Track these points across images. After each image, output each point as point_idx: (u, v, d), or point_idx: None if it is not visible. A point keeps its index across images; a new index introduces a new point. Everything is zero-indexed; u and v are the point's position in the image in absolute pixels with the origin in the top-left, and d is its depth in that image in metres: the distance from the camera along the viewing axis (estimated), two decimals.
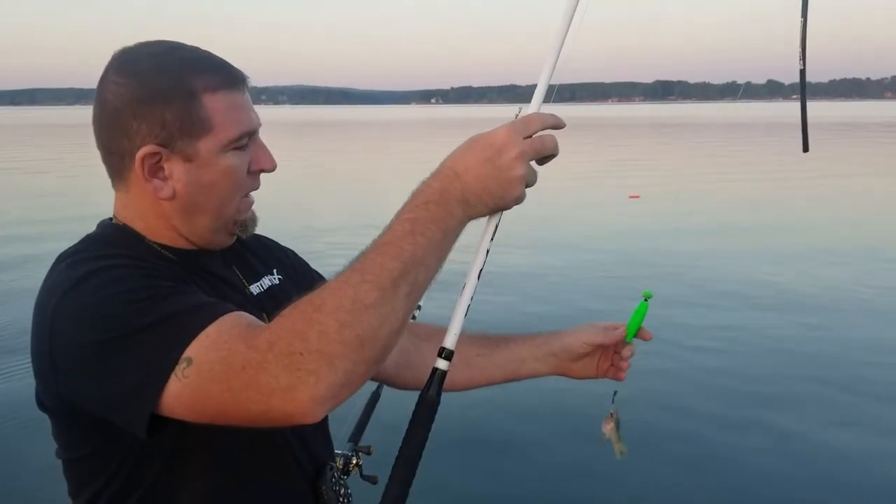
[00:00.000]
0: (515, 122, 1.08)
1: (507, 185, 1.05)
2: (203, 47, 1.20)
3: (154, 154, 1.14)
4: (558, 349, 1.49)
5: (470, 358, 1.43)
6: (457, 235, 1.06)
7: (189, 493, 1.14)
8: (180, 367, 0.98)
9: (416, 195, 1.05)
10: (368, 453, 1.49)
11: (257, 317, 1.25)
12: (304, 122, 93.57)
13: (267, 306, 1.29)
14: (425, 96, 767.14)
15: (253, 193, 1.26)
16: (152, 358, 1.00)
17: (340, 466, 1.42)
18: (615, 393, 1.44)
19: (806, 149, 1.57)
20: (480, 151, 1.05)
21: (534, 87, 1.18)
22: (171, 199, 1.17)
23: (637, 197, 14.98)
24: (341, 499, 1.34)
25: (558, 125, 1.10)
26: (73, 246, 1.18)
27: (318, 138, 50.47)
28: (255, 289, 1.32)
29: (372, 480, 1.45)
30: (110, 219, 1.24)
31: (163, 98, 1.13)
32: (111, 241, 1.19)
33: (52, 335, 1.06)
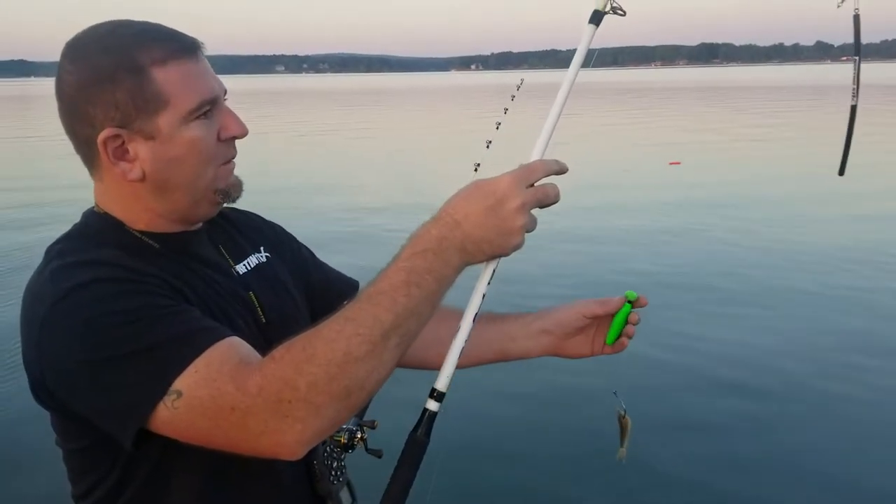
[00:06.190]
0: (518, 171, 1.05)
1: (507, 235, 1.04)
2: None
3: (115, 137, 1.12)
4: (552, 325, 1.43)
5: None
6: (451, 283, 1.05)
7: (187, 475, 1.15)
8: (170, 398, 0.99)
9: (413, 240, 1.03)
10: (373, 427, 1.47)
11: (243, 296, 1.25)
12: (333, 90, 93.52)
13: (253, 285, 1.28)
14: (465, 62, 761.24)
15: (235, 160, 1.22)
16: (143, 385, 1.00)
17: (345, 441, 1.41)
18: (615, 393, 1.40)
19: (841, 172, 1.53)
20: (482, 200, 1.03)
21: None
22: (141, 181, 1.15)
23: (678, 164, 14.71)
24: (333, 471, 1.35)
25: (562, 171, 1.08)
26: (60, 242, 1.17)
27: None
28: (241, 268, 1.30)
29: (377, 454, 1.44)
30: (93, 208, 1.22)
31: (110, 78, 1.10)
32: (95, 234, 1.17)
33: (42, 348, 1.05)
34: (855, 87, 1.45)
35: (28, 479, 3.75)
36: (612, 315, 1.38)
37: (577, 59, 1.14)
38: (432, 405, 1.09)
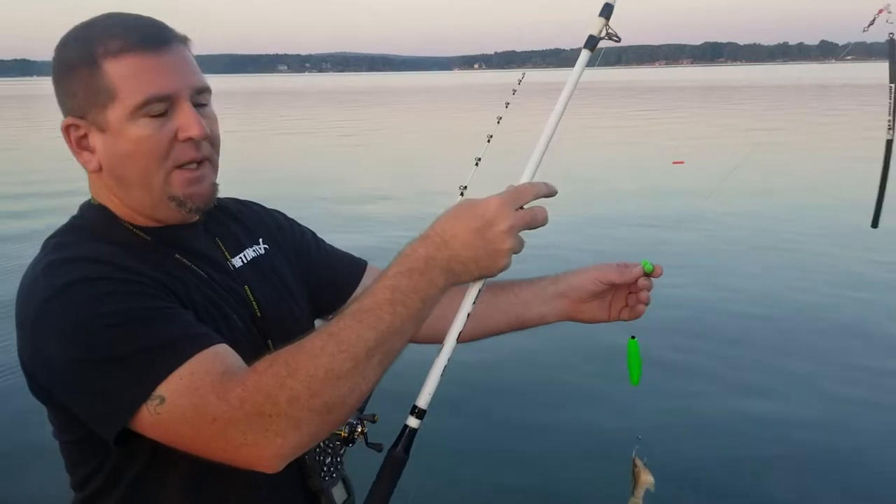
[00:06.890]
0: (507, 194, 1.06)
1: (494, 257, 1.04)
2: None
3: (75, 126, 1.14)
4: (567, 289, 1.41)
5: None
6: (437, 302, 1.05)
7: (180, 468, 1.15)
8: (153, 403, 1.00)
9: (400, 259, 1.03)
10: (373, 421, 1.48)
11: (237, 290, 1.24)
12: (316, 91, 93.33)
13: (249, 279, 1.28)
14: (468, 62, 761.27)
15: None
16: (127, 388, 1.01)
17: (345, 435, 1.41)
18: (639, 438, 1.35)
19: (875, 224, 1.39)
20: (470, 221, 1.03)
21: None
22: (99, 172, 1.17)
23: (681, 163, 14.69)
24: (326, 467, 1.34)
25: (551, 194, 1.08)
26: (56, 235, 1.18)
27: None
28: (237, 261, 1.30)
29: (377, 448, 1.43)
30: (89, 200, 1.23)
31: (68, 69, 1.13)
32: (89, 228, 1.18)
33: (34, 345, 1.07)
34: (891, 118, 1.30)
35: (30, 469, 3.77)
36: (630, 284, 1.36)
37: (571, 81, 1.16)
38: (413, 422, 1.09)
